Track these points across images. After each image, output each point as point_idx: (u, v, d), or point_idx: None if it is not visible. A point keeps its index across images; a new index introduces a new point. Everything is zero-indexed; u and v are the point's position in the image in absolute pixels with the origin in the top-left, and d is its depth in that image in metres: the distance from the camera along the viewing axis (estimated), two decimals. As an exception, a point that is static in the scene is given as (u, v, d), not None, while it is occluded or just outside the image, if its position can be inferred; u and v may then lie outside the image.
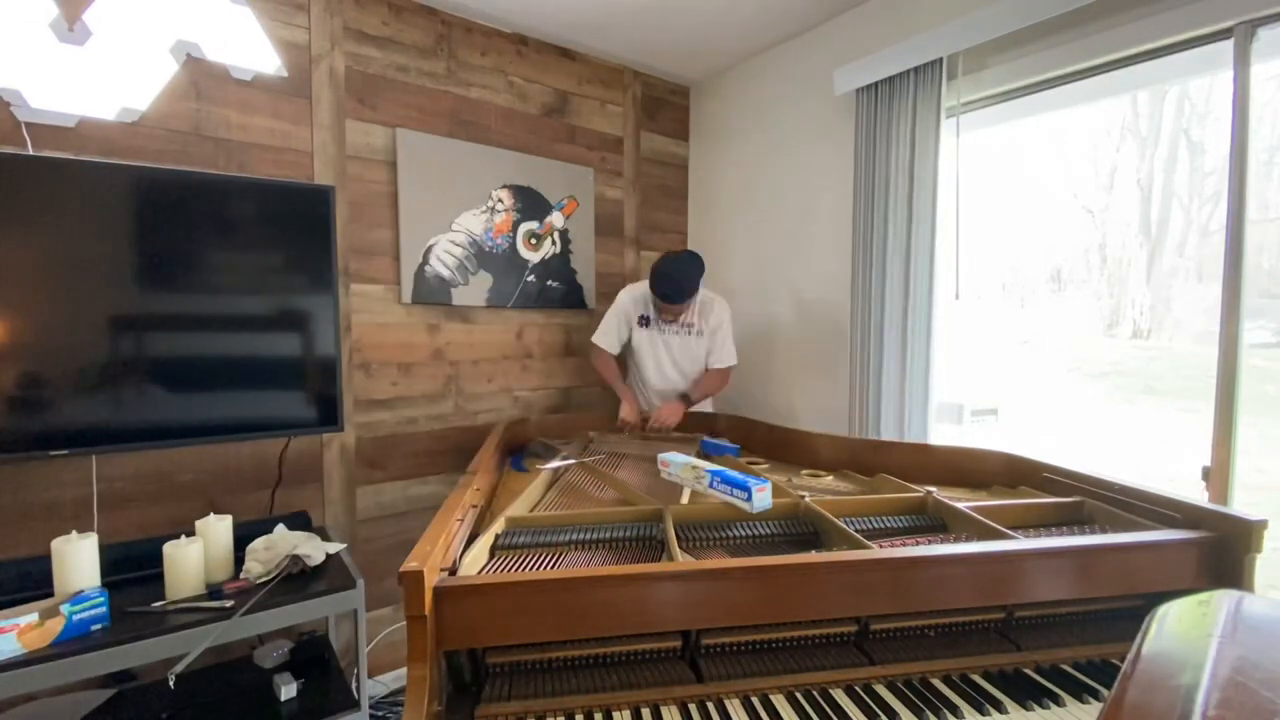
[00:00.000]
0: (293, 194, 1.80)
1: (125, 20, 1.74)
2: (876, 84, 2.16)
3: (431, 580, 0.84)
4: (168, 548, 1.46)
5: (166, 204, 1.61)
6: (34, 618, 1.27)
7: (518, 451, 2.09)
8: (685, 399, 2.33)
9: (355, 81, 2.18)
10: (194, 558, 1.47)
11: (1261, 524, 1.00)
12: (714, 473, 1.33)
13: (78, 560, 1.37)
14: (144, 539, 1.65)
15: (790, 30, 2.53)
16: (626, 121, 2.92)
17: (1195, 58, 1.64)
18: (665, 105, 3.08)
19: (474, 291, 2.47)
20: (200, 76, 1.88)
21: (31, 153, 1.63)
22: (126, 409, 1.57)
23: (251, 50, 1.95)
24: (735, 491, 1.26)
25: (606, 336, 2.41)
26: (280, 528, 1.64)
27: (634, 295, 2.41)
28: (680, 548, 1.08)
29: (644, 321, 2.39)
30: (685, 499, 1.37)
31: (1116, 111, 2.70)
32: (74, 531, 1.40)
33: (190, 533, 1.52)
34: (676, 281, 2.19)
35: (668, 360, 2.41)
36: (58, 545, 1.36)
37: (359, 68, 2.18)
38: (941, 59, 1.98)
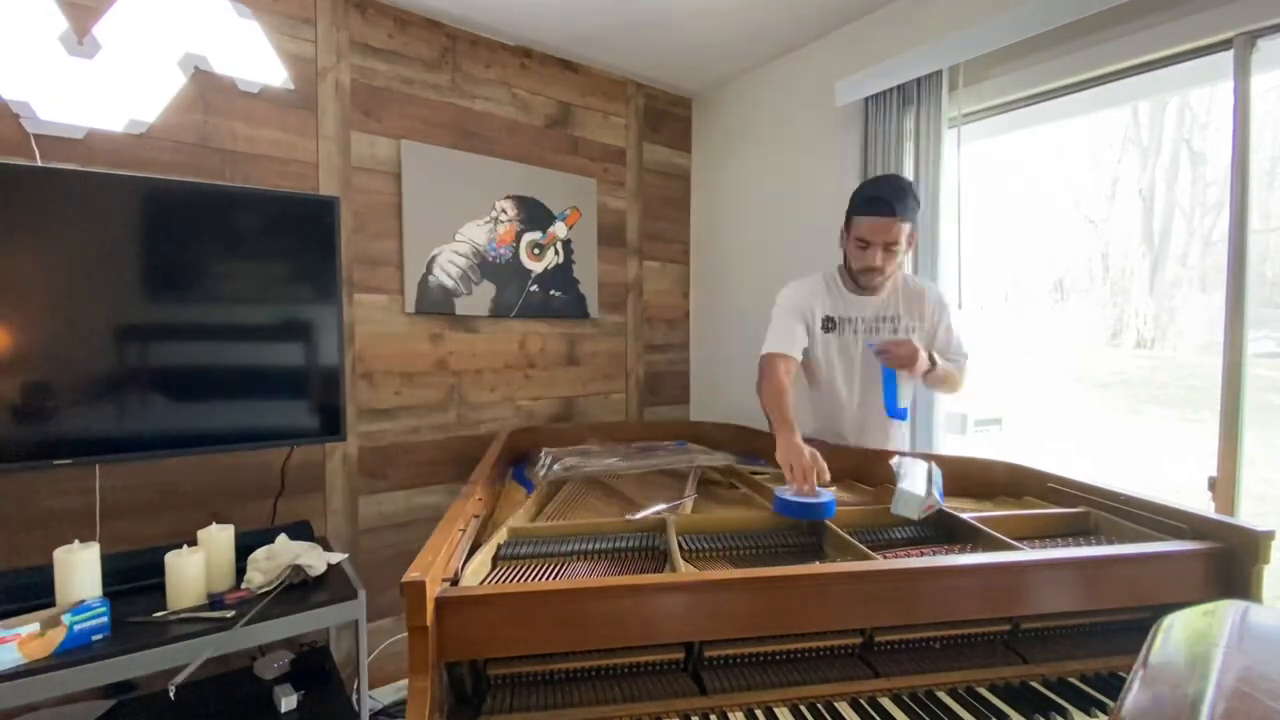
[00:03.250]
0: (298, 205, 1.81)
1: (134, 33, 1.76)
2: (878, 95, 2.17)
3: (433, 591, 0.83)
4: (169, 558, 1.46)
5: (173, 215, 1.62)
6: (35, 627, 1.27)
7: (520, 461, 2.09)
8: (928, 354, 1.62)
9: (360, 94, 2.20)
10: (195, 568, 1.47)
11: (1269, 534, 0.99)
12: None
13: (79, 570, 1.37)
14: (146, 549, 1.64)
15: (791, 43, 2.55)
16: (629, 133, 2.94)
17: (1195, 68, 1.65)
18: (667, 117, 3.10)
19: (477, 301, 2.47)
20: (208, 89, 1.90)
21: (40, 164, 1.64)
22: (130, 418, 1.58)
23: (258, 63, 1.98)
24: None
25: (781, 338, 1.68)
26: (282, 537, 1.64)
27: (809, 286, 1.76)
28: (683, 559, 1.08)
29: (830, 325, 1.73)
30: (688, 509, 1.37)
31: (1118, 122, 2.72)
32: (76, 541, 1.40)
33: (192, 542, 1.52)
34: (891, 186, 1.59)
35: (873, 369, 1.69)
36: (60, 555, 1.36)
37: (364, 80, 2.20)
38: (942, 70, 1.99)
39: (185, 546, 1.50)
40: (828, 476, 1.32)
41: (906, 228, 1.59)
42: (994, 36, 1.84)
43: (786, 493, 1.27)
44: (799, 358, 1.70)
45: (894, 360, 1.57)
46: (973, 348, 1.75)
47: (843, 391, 1.77)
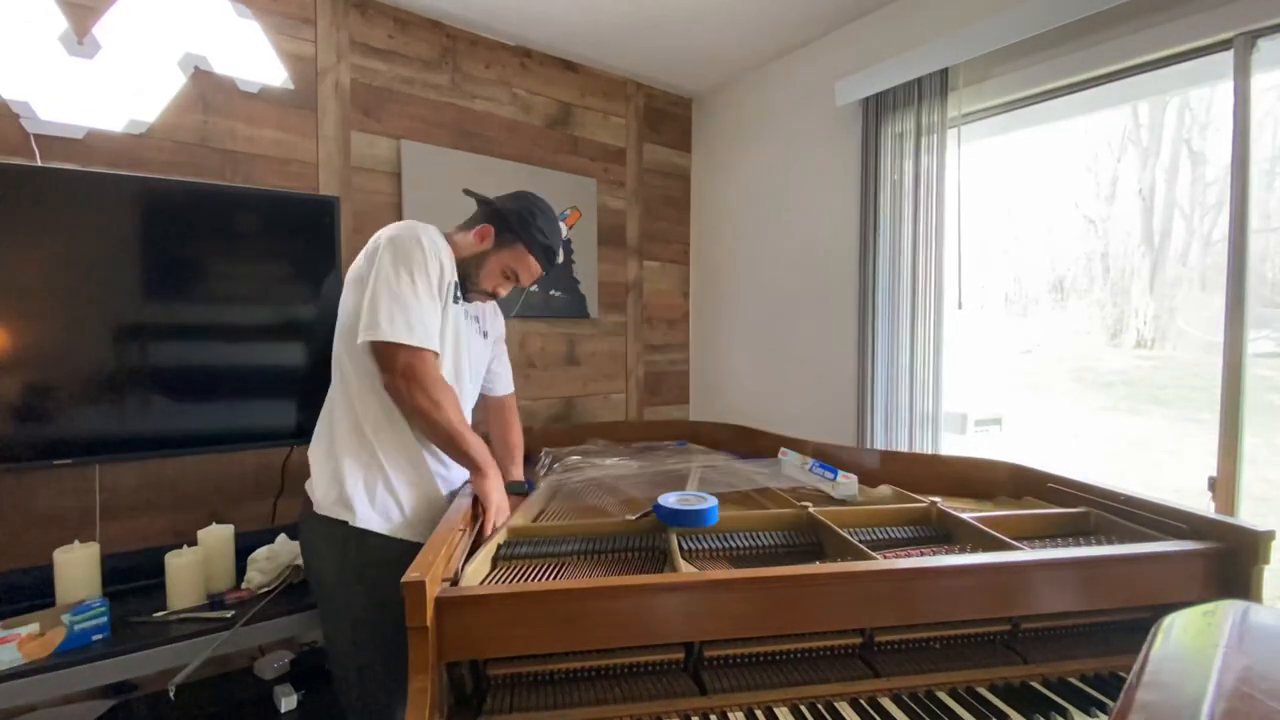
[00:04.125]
0: (298, 205, 1.81)
1: (134, 33, 1.76)
2: (878, 95, 2.17)
3: (433, 591, 0.83)
4: (169, 558, 1.46)
5: (173, 215, 1.62)
6: (35, 628, 1.27)
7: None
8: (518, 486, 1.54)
9: (360, 94, 2.20)
10: (195, 567, 1.47)
11: (1269, 535, 0.99)
12: (814, 462, 1.67)
13: (79, 570, 1.37)
14: (146, 549, 1.64)
15: (792, 43, 2.55)
16: (629, 133, 2.94)
17: (1196, 68, 1.65)
18: (667, 117, 3.10)
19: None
20: (208, 89, 1.90)
21: (40, 164, 1.64)
22: (130, 418, 1.58)
23: (258, 63, 1.98)
24: (824, 474, 1.57)
25: (420, 327, 1.25)
26: (282, 538, 1.64)
27: (435, 241, 1.34)
28: (682, 558, 1.08)
29: (455, 295, 1.40)
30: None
31: (1117, 121, 2.72)
32: (76, 541, 1.40)
33: (192, 542, 1.52)
34: (562, 240, 1.51)
35: (470, 372, 1.51)
36: (59, 555, 1.36)
37: (364, 80, 2.20)
38: (943, 70, 1.99)
39: (185, 547, 1.50)
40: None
41: None
42: (994, 36, 1.84)
43: (670, 500, 1.22)
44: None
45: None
46: (972, 348, 1.78)
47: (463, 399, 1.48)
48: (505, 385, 1.73)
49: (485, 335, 1.59)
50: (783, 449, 1.87)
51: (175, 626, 1.38)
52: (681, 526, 1.18)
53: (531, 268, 1.47)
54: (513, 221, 1.43)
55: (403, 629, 0.80)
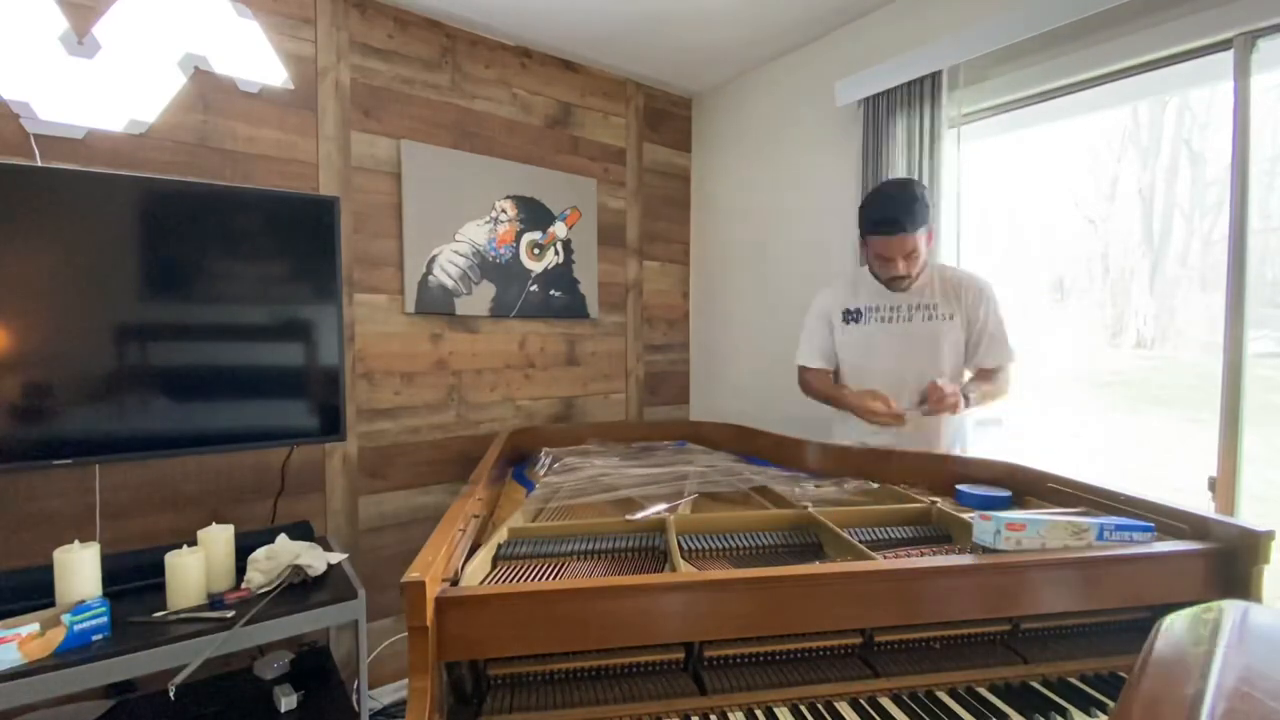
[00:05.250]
0: (298, 205, 1.81)
1: (134, 33, 1.76)
2: (878, 96, 2.17)
3: (433, 591, 0.83)
4: (169, 558, 1.46)
5: (172, 215, 1.62)
6: (35, 628, 1.27)
7: (520, 461, 2.09)
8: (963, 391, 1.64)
9: (360, 94, 2.20)
10: (195, 567, 1.47)
11: (1269, 535, 0.99)
12: (1101, 525, 1.05)
13: (79, 570, 1.37)
14: (146, 549, 1.64)
15: (792, 43, 2.55)
16: (629, 133, 2.94)
17: (1195, 68, 1.65)
18: (667, 117, 3.10)
19: (477, 301, 2.47)
20: (208, 89, 1.90)
21: (40, 164, 1.64)
22: (130, 418, 1.58)
23: (258, 63, 1.98)
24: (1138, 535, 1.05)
25: (807, 350, 1.88)
26: (282, 537, 1.64)
27: (828, 291, 1.88)
28: (682, 558, 1.08)
29: (852, 316, 1.78)
30: (688, 509, 1.37)
31: (1117, 122, 2.72)
32: (76, 541, 1.40)
33: (192, 542, 1.52)
34: (895, 200, 1.58)
35: (905, 357, 1.72)
36: (59, 555, 1.36)
37: (364, 80, 2.21)
38: (943, 71, 1.99)
39: (185, 546, 1.50)
40: (894, 403, 1.62)
41: (922, 234, 1.62)
42: (994, 36, 1.84)
43: (967, 491, 1.38)
44: (829, 366, 1.87)
45: (939, 409, 1.59)
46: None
47: (878, 376, 1.74)
48: (988, 359, 1.73)
49: (930, 319, 1.72)
50: (984, 514, 1.08)
51: (175, 626, 1.38)
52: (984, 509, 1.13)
53: (874, 245, 1.62)
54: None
55: None
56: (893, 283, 1.70)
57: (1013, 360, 1.70)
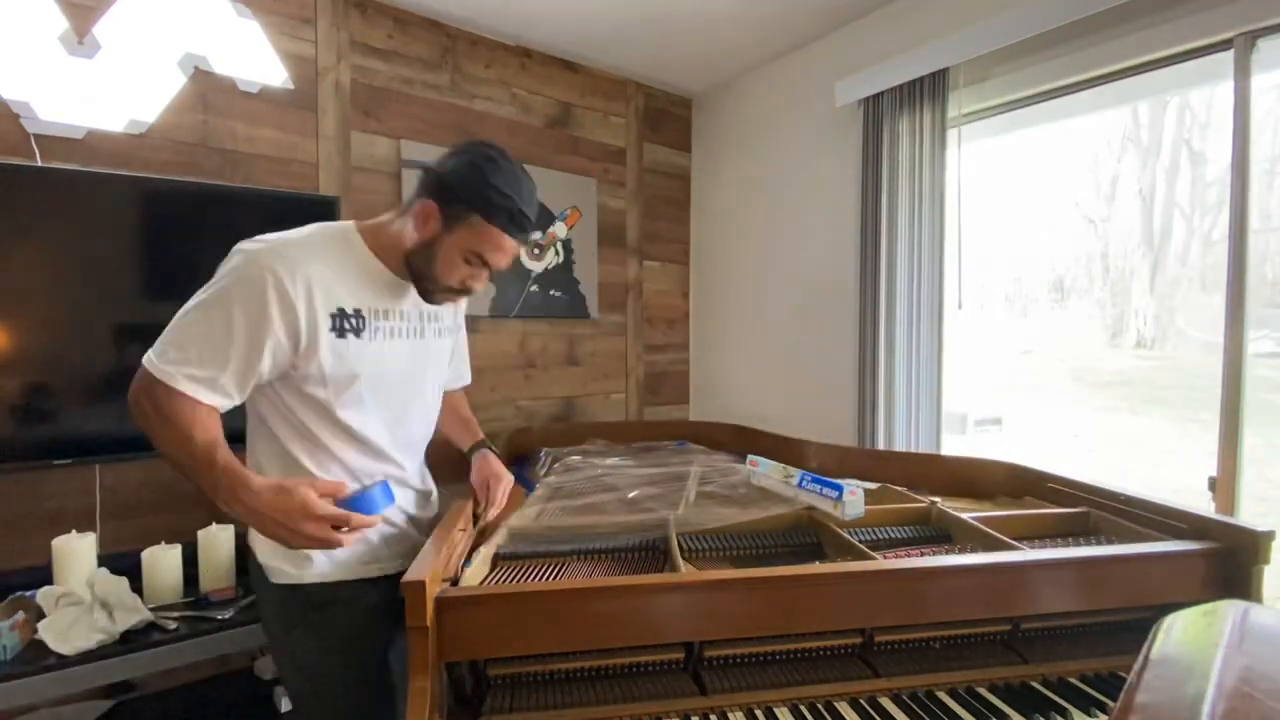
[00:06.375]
0: (298, 205, 1.82)
1: (134, 33, 1.76)
2: (878, 95, 2.17)
3: (434, 591, 0.83)
4: (146, 553, 1.47)
5: (173, 215, 1.62)
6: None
7: (521, 462, 2.09)
8: (484, 445, 1.40)
9: (360, 94, 2.20)
10: (172, 564, 1.47)
11: (1269, 535, 0.99)
12: (803, 474, 1.34)
13: (77, 559, 1.37)
14: (145, 549, 1.64)
15: (792, 43, 2.55)
16: (629, 133, 2.94)
17: (1196, 68, 1.65)
18: (667, 117, 3.10)
19: (477, 301, 2.47)
20: (208, 89, 1.90)
21: (40, 164, 1.64)
22: (130, 418, 1.58)
23: (258, 63, 1.98)
24: (825, 491, 1.26)
25: (201, 376, 0.98)
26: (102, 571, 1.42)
27: (302, 267, 1.01)
28: (683, 558, 1.08)
29: (354, 321, 1.07)
30: (681, 509, 1.37)
31: (1117, 122, 2.72)
32: (74, 530, 1.41)
33: (193, 542, 1.52)
34: (534, 196, 1.09)
35: (429, 384, 1.24)
36: (58, 544, 1.37)
37: (364, 80, 2.20)
38: (943, 71, 1.99)
39: (162, 543, 1.50)
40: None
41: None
42: (994, 36, 1.84)
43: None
44: (223, 406, 1.03)
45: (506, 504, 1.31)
46: (972, 348, 1.73)
47: (415, 423, 1.22)
48: (458, 379, 1.41)
49: (440, 334, 1.25)
50: (751, 457, 1.49)
51: (175, 627, 1.38)
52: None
53: (500, 243, 1.06)
54: (458, 186, 1.04)
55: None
56: (451, 295, 1.14)
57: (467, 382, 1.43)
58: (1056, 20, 1.71)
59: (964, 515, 1.22)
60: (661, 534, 1.20)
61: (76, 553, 1.38)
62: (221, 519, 1.63)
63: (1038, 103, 1.94)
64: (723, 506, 1.37)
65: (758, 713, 0.88)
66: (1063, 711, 0.88)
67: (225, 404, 1.01)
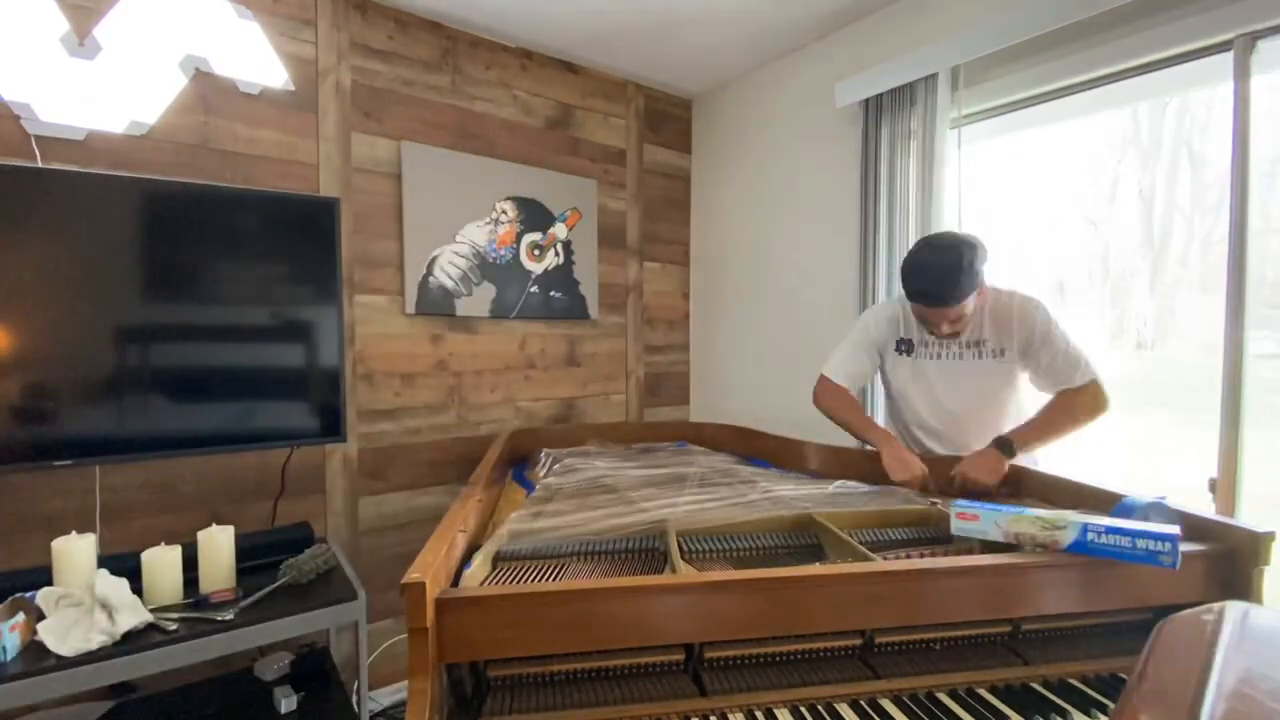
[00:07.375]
0: (298, 206, 1.82)
1: (135, 35, 1.76)
2: (878, 97, 2.18)
3: (434, 592, 0.83)
4: (146, 554, 1.46)
5: (173, 216, 1.62)
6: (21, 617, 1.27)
7: (520, 462, 2.09)
8: (1004, 445, 1.48)
9: (361, 95, 2.20)
10: (172, 564, 1.47)
11: (1269, 536, 0.99)
12: (1086, 523, 0.99)
13: (78, 559, 1.37)
14: (145, 550, 1.64)
15: (792, 44, 2.55)
16: (629, 134, 2.94)
17: (1195, 70, 1.65)
18: (667, 118, 3.10)
19: (477, 302, 2.48)
20: (208, 90, 1.91)
21: (41, 165, 1.65)
22: (130, 419, 1.58)
23: (259, 64, 1.98)
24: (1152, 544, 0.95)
25: (836, 367, 1.77)
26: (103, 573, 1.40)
27: (885, 313, 1.74)
28: (682, 560, 1.08)
29: (904, 347, 1.70)
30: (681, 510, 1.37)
31: (1117, 123, 2.71)
32: (73, 531, 1.41)
33: (193, 543, 1.52)
34: (937, 271, 1.46)
35: (953, 397, 1.66)
36: (58, 544, 1.37)
37: (365, 81, 2.21)
38: (942, 72, 1.99)
39: (162, 544, 1.49)
40: (932, 486, 1.48)
41: (970, 301, 1.51)
42: (994, 38, 1.84)
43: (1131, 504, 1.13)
44: (853, 388, 1.78)
45: (973, 484, 1.44)
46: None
47: (925, 414, 1.71)
48: (1063, 382, 1.56)
49: (980, 356, 1.62)
50: (960, 505, 1.14)
51: (175, 628, 1.38)
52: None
53: (918, 311, 1.58)
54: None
55: None
56: (939, 337, 1.63)
57: (1091, 376, 1.52)
58: (1056, 22, 1.72)
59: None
60: (661, 535, 1.20)
61: (76, 554, 1.37)
62: (222, 520, 1.63)
63: (1038, 104, 1.94)
64: (723, 507, 1.37)
65: (758, 714, 0.88)
66: (1063, 713, 0.88)
67: None
